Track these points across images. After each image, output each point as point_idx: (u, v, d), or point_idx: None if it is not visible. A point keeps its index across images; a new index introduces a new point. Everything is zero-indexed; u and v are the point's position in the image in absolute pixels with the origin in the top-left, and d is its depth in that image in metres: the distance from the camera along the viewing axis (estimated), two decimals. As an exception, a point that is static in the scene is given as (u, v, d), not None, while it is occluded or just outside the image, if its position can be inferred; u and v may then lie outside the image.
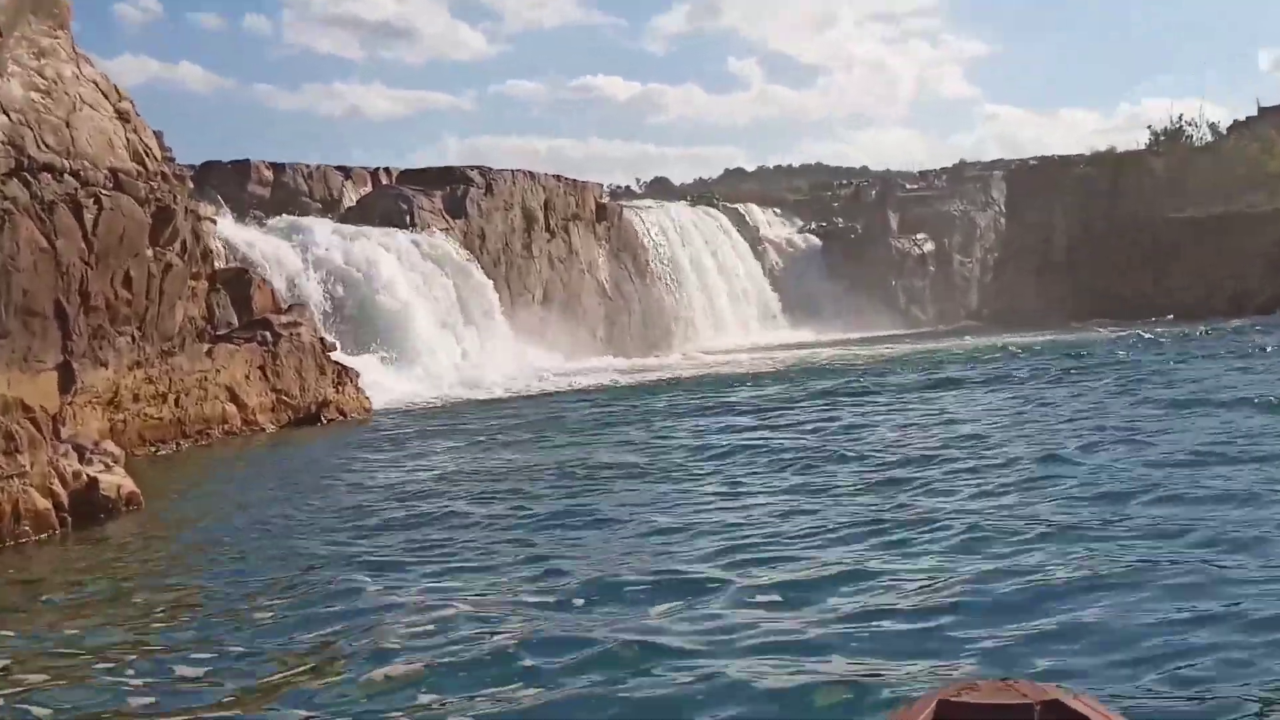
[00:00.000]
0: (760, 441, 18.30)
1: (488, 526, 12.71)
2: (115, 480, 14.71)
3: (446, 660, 7.61)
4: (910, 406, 22.57)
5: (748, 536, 11.17)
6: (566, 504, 13.79)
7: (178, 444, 23.48)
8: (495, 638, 8.03)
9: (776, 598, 8.81)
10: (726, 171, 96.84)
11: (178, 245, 23.45)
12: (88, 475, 14.66)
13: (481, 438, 21.84)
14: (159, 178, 22.56)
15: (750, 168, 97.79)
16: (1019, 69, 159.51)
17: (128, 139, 21.71)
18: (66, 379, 20.08)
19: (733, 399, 26.88)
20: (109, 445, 15.87)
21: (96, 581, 11.18)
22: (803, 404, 24.38)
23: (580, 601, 9.03)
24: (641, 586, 9.31)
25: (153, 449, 22.83)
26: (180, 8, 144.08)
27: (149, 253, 22.22)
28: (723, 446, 17.96)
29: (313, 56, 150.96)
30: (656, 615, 8.52)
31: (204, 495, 16.93)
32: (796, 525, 11.60)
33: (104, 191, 20.66)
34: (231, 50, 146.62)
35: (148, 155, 22.19)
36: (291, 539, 12.81)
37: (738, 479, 14.92)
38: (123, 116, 21.77)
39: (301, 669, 7.86)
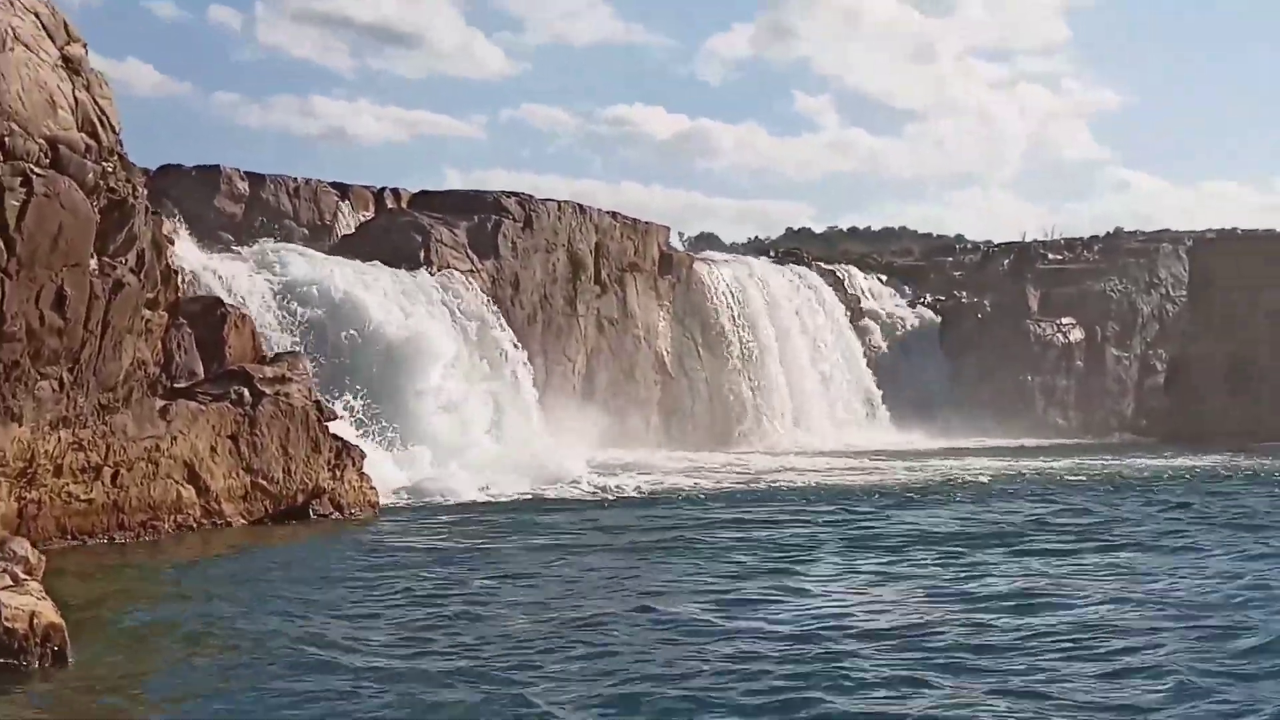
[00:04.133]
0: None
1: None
2: (27, 605, 11.77)
3: None
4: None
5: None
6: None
7: (110, 537, 21.62)
8: None
9: None
10: (789, 231, 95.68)
11: (132, 257, 20.91)
12: (-18, 594, 11.59)
13: (528, 569, 19.15)
14: (114, 159, 19.62)
15: (818, 228, 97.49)
16: (1162, 127, 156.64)
17: (75, 98, 19.03)
18: (-40, 437, 17.18)
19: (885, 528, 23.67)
20: (20, 546, 12.78)
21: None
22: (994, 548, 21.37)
23: None
24: None
25: (74, 542, 20.72)
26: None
27: (93, 263, 19.50)
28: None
29: (287, 61, 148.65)
30: None
31: (153, 635, 14.16)
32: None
33: (36, 170, 18.30)
34: (191, 48, 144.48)
35: (102, 124, 19.43)
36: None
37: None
38: (71, 65, 18.98)
39: None
